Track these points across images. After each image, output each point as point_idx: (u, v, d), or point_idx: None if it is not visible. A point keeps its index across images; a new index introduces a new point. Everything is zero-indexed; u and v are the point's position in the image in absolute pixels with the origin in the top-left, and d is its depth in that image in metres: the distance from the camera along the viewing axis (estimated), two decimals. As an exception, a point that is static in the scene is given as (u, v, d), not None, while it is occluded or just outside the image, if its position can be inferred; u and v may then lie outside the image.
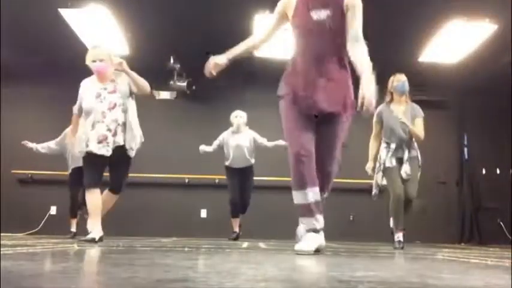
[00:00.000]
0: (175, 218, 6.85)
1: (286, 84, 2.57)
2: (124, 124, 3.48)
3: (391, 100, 4.15)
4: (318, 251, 2.44)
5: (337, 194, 6.78)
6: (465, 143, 7.58)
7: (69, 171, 5.36)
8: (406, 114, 4.06)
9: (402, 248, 3.83)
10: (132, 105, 3.59)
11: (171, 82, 6.96)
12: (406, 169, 3.99)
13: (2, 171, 6.80)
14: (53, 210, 6.84)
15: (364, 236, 6.13)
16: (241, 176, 5.41)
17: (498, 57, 6.22)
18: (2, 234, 5.39)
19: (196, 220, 7.01)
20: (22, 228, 6.43)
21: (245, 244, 4.11)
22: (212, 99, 7.31)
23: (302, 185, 2.44)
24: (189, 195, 7.06)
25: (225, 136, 5.48)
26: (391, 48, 5.74)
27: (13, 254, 1.96)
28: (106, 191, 3.59)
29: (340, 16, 2.45)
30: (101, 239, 3.40)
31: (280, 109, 2.58)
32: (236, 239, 5.39)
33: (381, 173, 4.10)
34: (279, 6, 2.64)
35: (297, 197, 2.48)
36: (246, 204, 5.44)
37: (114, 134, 3.44)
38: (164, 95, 7.27)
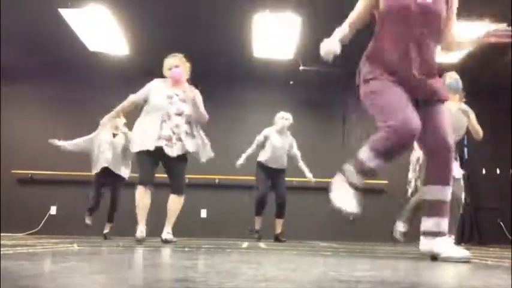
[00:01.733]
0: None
1: (380, 66, 2.35)
2: (187, 133, 3.65)
3: None
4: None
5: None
6: (465, 143, 7.57)
7: (97, 170, 5.09)
8: (459, 116, 3.93)
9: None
10: (198, 126, 3.85)
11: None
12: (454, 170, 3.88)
13: (2, 171, 6.81)
14: (53, 210, 6.84)
15: (364, 236, 6.13)
16: (275, 177, 5.38)
17: (498, 57, 6.22)
18: (2, 234, 5.39)
19: (196, 220, 7.01)
20: (22, 228, 6.43)
21: (245, 244, 4.11)
22: (212, 99, 7.30)
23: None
24: (189, 195, 7.01)
25: (268, 133, 5.42)
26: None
27: (13, 254, 1.96)
28: (171, 196, 3.81)
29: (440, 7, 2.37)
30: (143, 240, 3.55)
31: (373, 87, 2.33)
32: (259, 238, 5.32)
33: (413, 172, 4.01)
34: None
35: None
36: (282, 207, 5.34)
37: (178, 139, 3.59)
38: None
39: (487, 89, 6.97)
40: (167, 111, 3.58)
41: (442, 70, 4.93)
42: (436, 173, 2.38)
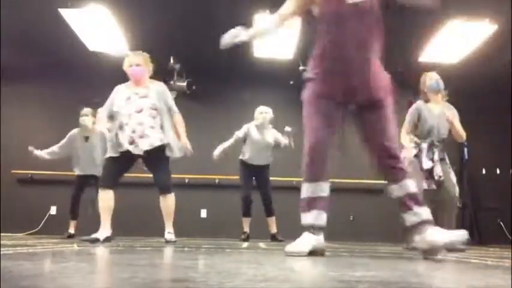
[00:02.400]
0: (175, 218, 6.83)
1: (315, 72, 2.42)
2: (152, 127, 3.57)
3: (427, 100, 3.98)
4: (312, 253, 2.32)
5: (337, 194, 6.80)
6: (465, 143, 7.57)
7: (77, 173, 5.22)
8: (444, 115, 3.91)
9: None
10: (168, 119, 3.73)
11: (171, 82, 6.96)
12: (437, 171, 3.82)
13: (2, 171, 6.81)
14: (53, 210, 6.84)
15: (364, 236, 6.13)
16: (258, 174, 5.28)
17: (498, 57, 6.22)
18: (2, 234, 5.39)
19: (196, 220, 7.01)
20: (22, 228, 6.43)
21: (245, 244, 4.11)
22: (212, 99, 7.32)
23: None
24: (189, 195, 7.05)
25: (248, 129, 5.31)
26: (391, 48, 5.74)
27: (13, 254, 1.96)
28: (161, 197, 3.77)
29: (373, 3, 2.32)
30: (107, 239, 3.48)
31: (305, 97, 2.46)
32: (246, 239, 5.26)
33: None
34: None
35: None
36: (268, 204, 5.27)
37: (141, 136, 3.52)
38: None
39: (487, 89, 6.97)
40: (127, 112, 3.55)
41: (437, 71, 4.95)
42: (386, 174, 2.39)
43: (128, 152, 3.54)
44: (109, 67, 6.75)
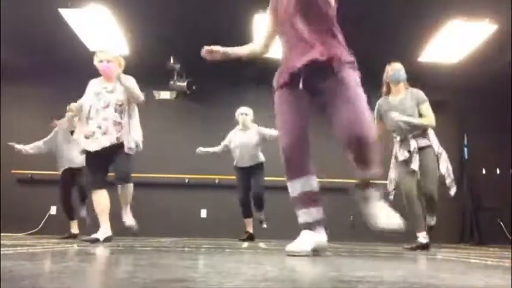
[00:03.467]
0: (175, 218, 6.85)
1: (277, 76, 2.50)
2: (120, 123, 3.57)
3: (389, 91, 3.97)
4: (315, 251, 2.30)
5: (337, 194, 6.79)
6: (465, 143, 7.58)
7: (60, 171, 5.24)
8: (406, 103, 3.84)
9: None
10: (134, 108, 3.72)
11: (171, 82, 6.96)
12: (414, 162, 3.76)
13: (2, 171, 6.80)
14: (53, 210, 6.84)
15: (364, 236, 6.12)
16: (249, 174, 5.31)
17: (498, 57, 6.22)
18: (2, 234, 5.39)
19: (196, 220, 7.01)
20: (22, 228, 6.44)
21: (245, 244, 4.11)
22: (212, 99, 7.32)
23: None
24: (189, 195, 7.06)
25: (231, 135, 5.39)
26: (391, 48, 5.75)
27: (13, 254, 1.96)
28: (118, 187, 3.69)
29: None
30: (108, 240, 3.47)
31: (276, 100, 2.50)
32: (250, 239, 5.28)
33: (393, 171, 3.96)
34: (270, 3, 2.56)
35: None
36: (258, 199, 5.26)
37: (105, 132, 3.52)
38: (164, 95, 7.28)
39: (487, 89, 6.97)
40: (95, 107, 3.60)
41: (437, 71, 4.92)
42: (357, 164, 2.33)
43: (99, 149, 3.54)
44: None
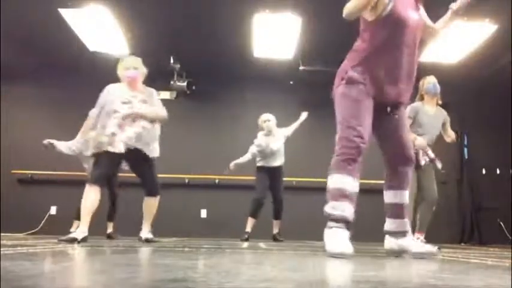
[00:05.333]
0: (175, 218, 6.84)
1: (360, 70, 2.42)
2: (149, 134, 3.61)
3: (423, 102, 4.24)
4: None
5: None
6: (465, 143, 7.58)
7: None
8: (438, 118, 4.19)
9: None
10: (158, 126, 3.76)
11: (171, 82, 6.96)
12: (438, 165, 4.09)
13: (2, 171, 6.80)
14: (53, 210, 6.84)
15: (364, 236, 6.12)
16: (274, 174, 5.42)
17: (498, 57, 6.22)
18: (2, 234, 5.39)
19: (196, 220, 7.01)
20: (22, 228, 6.43)
21: (245, 244, 4.11)
22: (212, 99, 7.32)
23: None
24: (189, 195, 7.06)
25: (260, 141, 5.46)
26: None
27: (13, 254, 1.96)
28: (145, 198, 3.81)
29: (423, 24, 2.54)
30: (84, 240, 3.34)
31: (345, 90, 2.46)
32: (247, 240, 5.30)
33: None
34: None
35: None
36: (280, 204, 5.40)
37: (138, 140, 3.54)
38: (164, 95, 7.28)
39: (487, 88, 6.97)
40: (127, 116, 3.53)
41: (437, 71, 4.95)
42: (393, 179, 2.54)
43: (124, 152, 3.51)
44: (109, 67, 6.77)
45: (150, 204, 3.84)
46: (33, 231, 6.53)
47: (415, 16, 2.44)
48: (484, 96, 7.18)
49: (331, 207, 2.34)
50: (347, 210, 2.33)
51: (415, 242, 2.51)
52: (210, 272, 1.30)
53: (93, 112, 3.82)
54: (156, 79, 6.94)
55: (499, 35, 5.55)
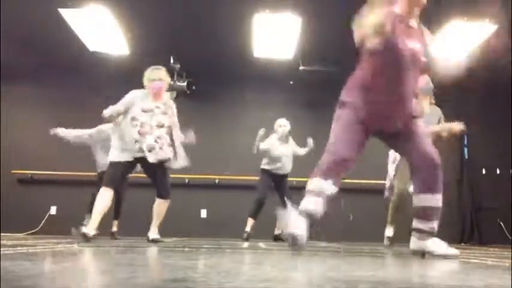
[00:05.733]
0: (175, 218, 6.83)
1: (353, 98, 2.52)
2: (168, 143, 3.75)
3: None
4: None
5: (337, 194, 6.78)
6: (465, 143, 7.58)
7: (98, 171, 5.07)
8: (432, 117, 4.18)
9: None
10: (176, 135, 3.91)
11: (171, 82, 6.96)
12: None
13: (2, 171, 6.80)
14: (53, 210, 6.84)
15: (364, 236, 6.13)
16: (279, 181, 5.50)
17: (498, 57, 6.22)
18: (2, 234, 5.39)
19: (196, 220, 7.01)
20: (22, 228, 6.43)
21: (245, 244, 4.11)
22: (212, 99, 7.32)
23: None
24: (189, 195, 7.05)
25: (272, 141, 5.49)
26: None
27: (13, 254, 1.96)
28: (157, 200, 3.92)
29: (423, 52, 2.55)
30: (94, 237, 3.53)
31: (339, 114, 2.57)
32: (247, 239, 5.36)
33: (392, 168, 4.18)
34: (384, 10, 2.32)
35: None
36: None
37: (161, 148, 3.68)
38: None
39: (487, 89, 6.97)
40: (149, 123, 3.67)
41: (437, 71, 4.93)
42: (423, 183, 2.56)
43: (141, 158, 3.68)
44: (109, 67, 6.77)
45: (160, 207, 3.95)
46: (33, 231, 6.53)
47: (416, 46, 2.48)
48: (484, 96, 7.17)
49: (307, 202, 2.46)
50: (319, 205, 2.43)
51: (438, 244, 2.55)
52: (210, 272, 1.30)
53: (112, 108, 3.82)
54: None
55: (499, 35, 5.55)
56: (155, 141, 3.66)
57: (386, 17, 2.21)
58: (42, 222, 6.69)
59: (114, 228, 5.26)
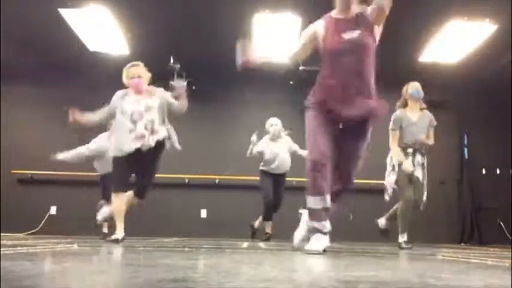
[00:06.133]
0: (175, 218, 6.85)
1: (315, 96, 2.78)
2: (160, 124, 3.79)
3: (406, 106, 4.31)
4: (324, 251, 2.59)
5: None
6: (465, 143, 7.58)
7: (101, 174, 5.08)
8: (423, 122, 4.23)
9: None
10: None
11: (171, 82, 6.95)
12: (418, 173, 4.15)
13: (2, 171, 6.80)
14: (53, 210, 6.84)
15: (364, 236, 6.13)
16: (277, 181, 5.50)
17: (498, 57, 6.22)
18: (2, 234, 5.39)
19: (196, 220, 7.01)
20: (22, 228, 6.43)
21: (245, 244, 4.11)
22: (212, 99, 7.32)
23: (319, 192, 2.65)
24: (189, 195, 7.05)
25: (264, 145, 5.50)
26: (391, 48, 5.74)
27: (13, 254, 1.96)
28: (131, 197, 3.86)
29: (370, 35, 2.67)
30: (122, 240, 3.68)
31: (307, 118, 2.80)
32: (268, 239, 5.42)
33: (393, 176, 4.18)
34: (310, 30, 2.87)
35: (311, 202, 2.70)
36: (278, 206, 5.53)
37: (152, 133, 3.71)
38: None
39: (487, 89, 6.97)
40: (136, 111, 3.71)
41: (437, 71, 4.91)
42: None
43: (137, 150, 3.68)
44: (109, 67, 6.77)
45: (129, 203, 3.89)
46: (33, 231, 6.53)
47: (353, 36, 2.65)
48: (484, 96, 7.17)
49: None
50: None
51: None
52: (210, 272, 1.30)
53: (101, 113, 3.96)
54: (156, 79, 6.95)
55: (499, 35, 5.55)
56: (147, 124, 3.70)
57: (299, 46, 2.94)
58: (42, 222, 6.69)
59: (105, 229, 5.22)
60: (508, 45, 5.81)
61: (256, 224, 5.65)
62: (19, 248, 2.39)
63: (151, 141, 3.71)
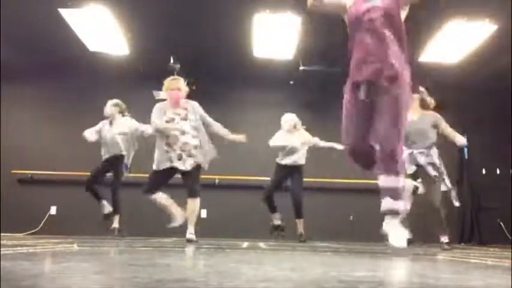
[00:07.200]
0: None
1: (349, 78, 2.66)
2: (196, 146, 4.10)
3: None
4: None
5: (337, 194, 6.78)
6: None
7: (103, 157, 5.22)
8: (423, 123, 4.19)
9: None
10: (204, 134, 4.26)
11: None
12: (430, 172, 4.25)
13: (2, 171, 6.80)
14: (53, 210, 6.84)
15: (364, 236, 6.13)
16: (289, 174, 5.39)
17: (498, 57, 6.22)
18: (2, 234, 5.39)
19: (196, 220, 7.00)
20: (22, 228, 6.43)
21: (245, 244, 4.11)
22: (212, 100, 7.31)
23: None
24: (189, 195, 7.04)
25: (277, 137, 5.47)
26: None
27: (13, 254, 1.96)
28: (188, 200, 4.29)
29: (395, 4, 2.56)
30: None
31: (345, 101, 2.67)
32: (304, 240, 5.20)
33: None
34: None
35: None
36: (297, 203, 5.32)
37: (189, 155, 4.04)
38: (164, 95, 7.28)
39: (487, 89, 6.97)
40: (174, 133, 4.00)
41: (437, 71, 4.88)
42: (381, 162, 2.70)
43: (173, 167, 4.05)
44: (109, 67, 6.77)
45: (189, 205, 4.37)
46: (33, 231, 6.52)
47: (375, 4, 2.56)
48: (484, 96, 7.17)
49: None
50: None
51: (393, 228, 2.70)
52: (210, 272, 1.30)
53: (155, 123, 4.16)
54: (156, 79, 6.96)
55: (499, 35, 5.55)
56: (182, 149, 4.00)
57: None
58: (42, 222, 6.69)
59: (116, 225, 5.26)
60: (508, 45, 5.81)
61: (299, 229, 5.34)
62: (19, 248, 2.39)
63: (187, 164, 4.06)
